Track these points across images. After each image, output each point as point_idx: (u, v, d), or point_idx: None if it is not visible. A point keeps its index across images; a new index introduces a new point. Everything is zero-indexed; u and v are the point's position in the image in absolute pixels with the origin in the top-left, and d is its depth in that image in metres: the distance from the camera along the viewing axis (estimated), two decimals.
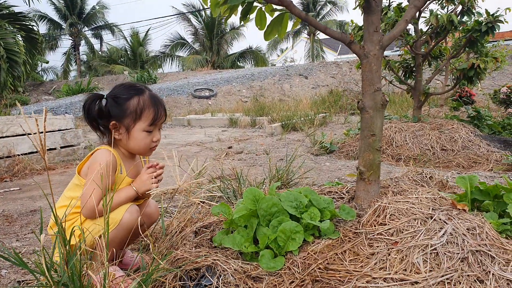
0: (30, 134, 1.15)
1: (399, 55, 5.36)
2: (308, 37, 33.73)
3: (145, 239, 2.09)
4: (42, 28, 31.13)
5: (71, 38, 32.54)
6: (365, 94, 1.70)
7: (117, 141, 1.61)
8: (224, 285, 1.35)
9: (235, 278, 1.35)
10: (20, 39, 9.01)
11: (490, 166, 3.68)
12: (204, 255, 1.50)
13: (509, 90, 6.61)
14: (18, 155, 4.42)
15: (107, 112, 1.57)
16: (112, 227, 1.52)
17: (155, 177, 1.59)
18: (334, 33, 1.67)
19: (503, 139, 4.45)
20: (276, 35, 1.68)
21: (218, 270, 1.40)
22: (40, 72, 29.68)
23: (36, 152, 4.66)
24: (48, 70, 32.09)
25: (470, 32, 4.27)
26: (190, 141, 6.52)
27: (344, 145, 4.89)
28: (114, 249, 1.53)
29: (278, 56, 39.09)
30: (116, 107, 1.56)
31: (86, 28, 33.19)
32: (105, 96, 1.60)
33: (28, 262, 1.88)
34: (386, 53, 5.28)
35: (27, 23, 8.93)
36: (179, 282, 1.43)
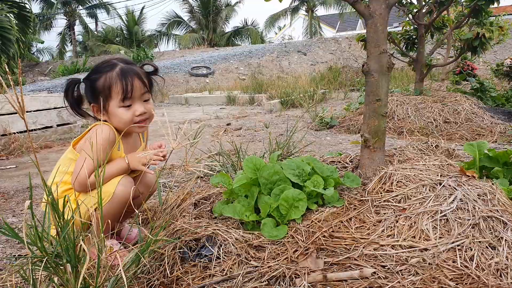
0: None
1: (400, 31, 5.21)
2: (306, 13, 33.04)
3: (144, 213, 2.04)
4: (35, 7, 30.46)
5: (65, 17, 31.86)
6: (370, 57, 1.61)
7: (108, 120, 1.56)
8: (225, 255, 1.29)
9: (236, 248, 1.30)
10: (12, 16, 8.76)
11: (494, 138, 3.62)
12: (204, 225, 1.45)
13: None
14: (14, 133, 4.35)
15: (84, 96, 1.57)
16: (106, 200, 1.47)
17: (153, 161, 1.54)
18: None
19: (507, 111, 4.37)
20: None
21: (218, 240, 1.34)
22: (35, 53, 29.18)
23: (31, 130, 4.58)
24: (44, 51, 31.52)
25: (474, 1, 4.12)
26: (189, 119, 6.43)
27: (344, 120, 4.81)
28: (110, 222, 1.48)
29: (276, 33, 38.41)
30: (89, 90, 1.54)
31: (80, 7, 32.44)
32: (81, 80, 1.57)
33: (23, 237, 1.83)
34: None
35: (18, 0, 8.66)
36: (179, 253, 1.38)
